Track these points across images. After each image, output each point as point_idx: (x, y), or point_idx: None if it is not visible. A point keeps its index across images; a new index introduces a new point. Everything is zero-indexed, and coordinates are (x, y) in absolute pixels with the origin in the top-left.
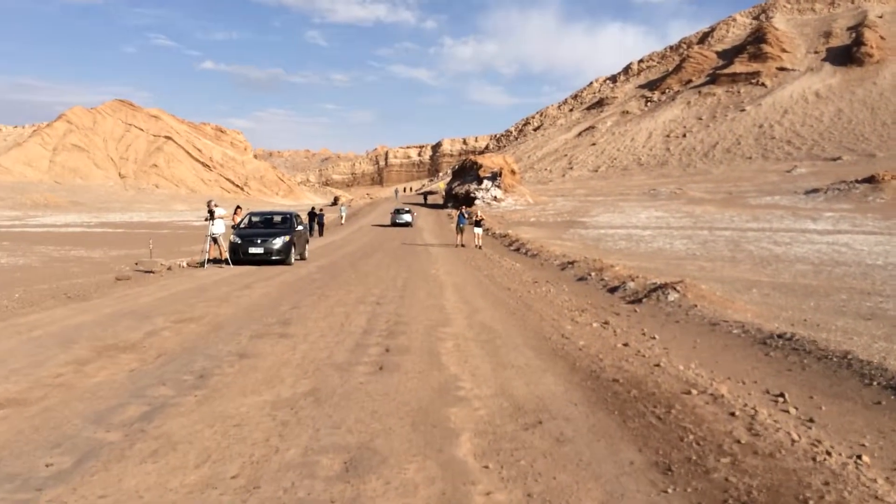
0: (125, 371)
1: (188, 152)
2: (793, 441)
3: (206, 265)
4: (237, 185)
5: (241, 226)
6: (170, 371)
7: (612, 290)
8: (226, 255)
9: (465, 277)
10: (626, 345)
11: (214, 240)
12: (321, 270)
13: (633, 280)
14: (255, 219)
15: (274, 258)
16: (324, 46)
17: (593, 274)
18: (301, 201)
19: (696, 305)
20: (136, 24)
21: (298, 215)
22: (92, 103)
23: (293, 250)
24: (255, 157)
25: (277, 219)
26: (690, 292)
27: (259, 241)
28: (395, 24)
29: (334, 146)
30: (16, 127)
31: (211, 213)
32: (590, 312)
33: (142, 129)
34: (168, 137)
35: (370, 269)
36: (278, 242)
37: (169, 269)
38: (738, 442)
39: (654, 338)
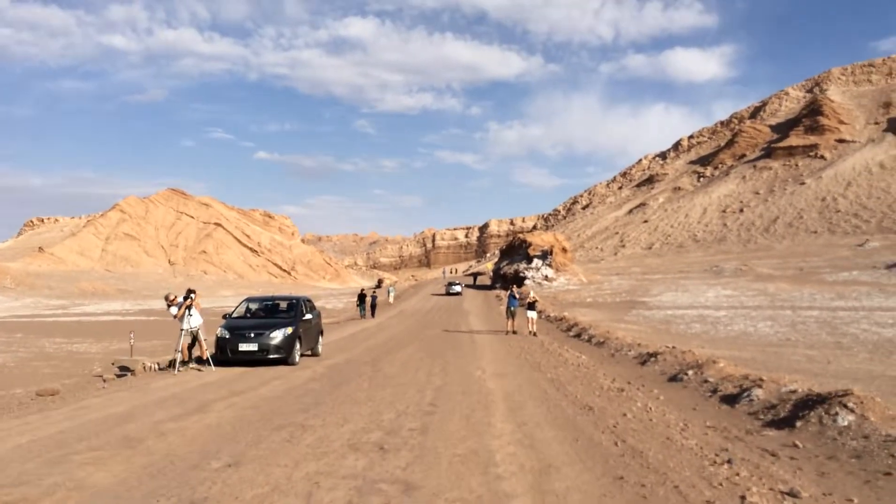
0: None
1: (237, 238)
2: None
3: (177, 369)
4: (284, 270)
5: (234, 315)
6: None
7: (729, 400)
8: (206, 354)
9: (522, 384)
10: None
11: (194, 336)
12: (329, 373)
13: (757, 385)
14: (252, 306)
15: (272, 356)
16: (372, 134)
17: (690, 373)
18: (348, 285)
19: (892, 436)
20: (195, 118)
21: (309, 300)
22: (148, 193)
23: (297, 345)
24: (304, 241)
25: (282, 305)
26: (872, 411)
27: (252, 335)
28: (441, 112)
29: (383, 230)
30: (73, 218)
31: (186, 298)
32: (741, 464)
33: (192, 217)
34: (218, 224)
35: (394, 372)
36: (277, 336)
37: (132, 372)
38: None
39: None
